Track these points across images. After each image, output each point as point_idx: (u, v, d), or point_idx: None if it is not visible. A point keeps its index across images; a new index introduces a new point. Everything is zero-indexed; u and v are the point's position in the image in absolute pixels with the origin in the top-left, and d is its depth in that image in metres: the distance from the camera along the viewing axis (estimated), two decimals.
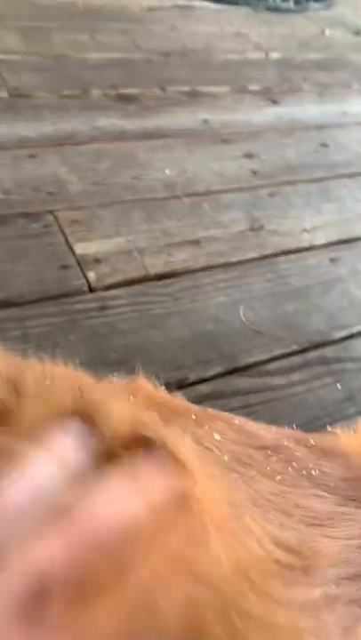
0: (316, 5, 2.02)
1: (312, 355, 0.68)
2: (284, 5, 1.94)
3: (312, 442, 0.30)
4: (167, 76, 1.28)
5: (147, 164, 0.95)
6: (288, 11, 1.94)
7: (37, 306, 0.63)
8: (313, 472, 0.26)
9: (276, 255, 0.82)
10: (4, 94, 1.07)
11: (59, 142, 0.96)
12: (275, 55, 1.57)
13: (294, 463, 0.26)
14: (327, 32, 1.85)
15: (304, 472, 0.26)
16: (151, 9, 1.65)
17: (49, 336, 0.61)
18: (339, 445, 0.30)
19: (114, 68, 1.26)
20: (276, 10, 1.91)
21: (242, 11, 1.83)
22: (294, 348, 0.68)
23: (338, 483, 0.26)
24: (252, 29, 1.71)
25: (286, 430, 0.32)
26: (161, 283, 0.72)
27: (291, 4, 1.96)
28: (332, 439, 0.31)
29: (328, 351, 0.69)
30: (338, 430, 0.32)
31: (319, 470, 0.26)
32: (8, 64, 1.18)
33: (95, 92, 1.14)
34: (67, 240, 0.75)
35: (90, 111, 1.07)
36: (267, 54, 1.56)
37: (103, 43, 1.38)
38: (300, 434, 0.32)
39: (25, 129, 0.97)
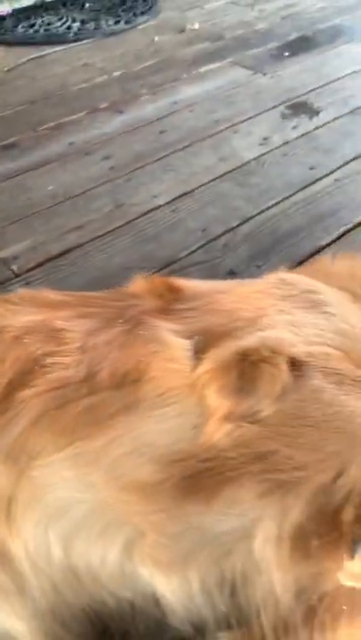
0: (143, 18, 2.43)
1: None
2: (118, 27, 2.35)
3: None
4: (37, 119, 1.69)
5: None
6: (122, 31, 2.34)
7: None
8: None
9: None
10: None
11: None
12: (117, 73, 1.98)
13: None
14: (156, 38, 2.26)
15: None
16: (11, 69, 2.05)
17: None
18: None
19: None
20: (113, 34, 2.32)
21: (86, 44, 2.24)
22: None
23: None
24: (96, 57, 2.12)
25: None
26: None
27: (122, 25, 2.37)
28: None
29: None
30: None
31: None
32: None
33: None
34: None
35: None
36: (110, 75, 1.97)
37: None
38: None
39: None
